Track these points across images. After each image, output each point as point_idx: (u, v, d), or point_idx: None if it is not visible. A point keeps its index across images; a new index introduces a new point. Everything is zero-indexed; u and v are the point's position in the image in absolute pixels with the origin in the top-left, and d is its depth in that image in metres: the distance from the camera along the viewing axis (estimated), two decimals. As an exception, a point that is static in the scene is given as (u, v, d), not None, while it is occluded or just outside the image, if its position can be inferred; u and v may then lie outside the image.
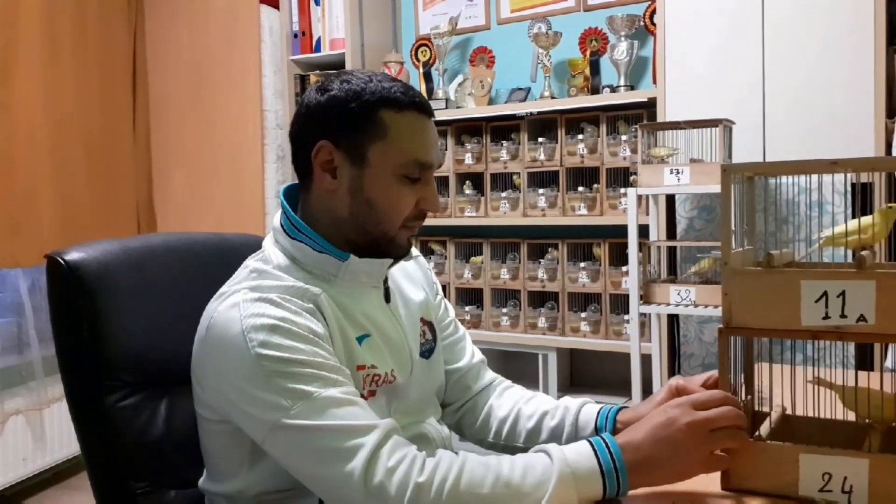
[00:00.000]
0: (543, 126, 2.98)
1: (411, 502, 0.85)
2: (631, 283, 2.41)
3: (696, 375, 1.10)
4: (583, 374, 3.13)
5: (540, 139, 2.92)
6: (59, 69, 3.02)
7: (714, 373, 1.03)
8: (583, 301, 2.90)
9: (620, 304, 2.79)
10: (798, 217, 2.34)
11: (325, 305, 1.02)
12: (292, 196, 1.13)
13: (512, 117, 3.01)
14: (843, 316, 0.89)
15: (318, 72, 3.32)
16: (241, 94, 3.30)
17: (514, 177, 2.99)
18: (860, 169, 0.94)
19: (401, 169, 1.04)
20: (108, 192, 3.24)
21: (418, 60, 3.28)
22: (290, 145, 1.10)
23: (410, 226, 1.08)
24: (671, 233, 2.66)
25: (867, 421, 0.99)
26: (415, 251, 1.24)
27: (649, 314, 2.53)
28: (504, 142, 3.01)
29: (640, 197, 2.42)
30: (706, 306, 2.30)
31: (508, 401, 1.26)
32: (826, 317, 0.90)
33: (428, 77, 3.26)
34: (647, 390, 2.49)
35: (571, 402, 1.21)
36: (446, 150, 3.08)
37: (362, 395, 1.00)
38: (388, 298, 1.14)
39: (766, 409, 1.07)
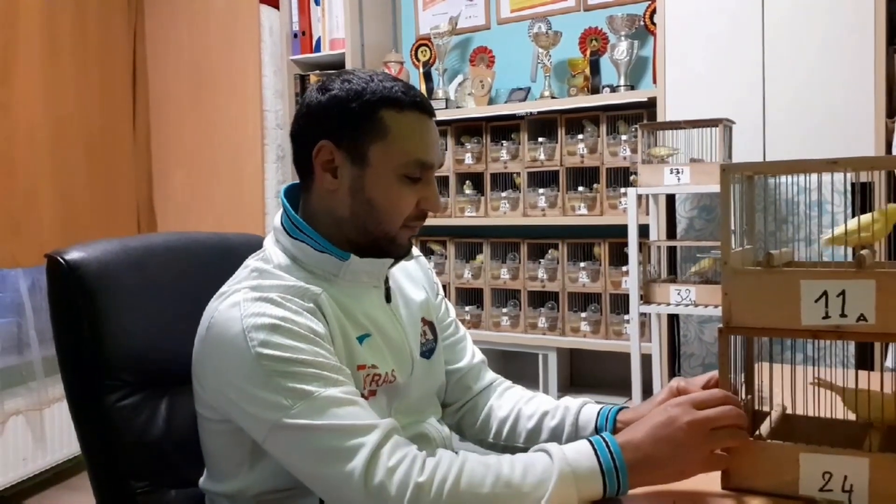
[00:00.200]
0: (543, 126, 2.98)
1: (411, 502, 0.85)
2: (631, 282, 2.41)
3: (697, 377, 1.10)
4: (583, 374, 3.13)
5: (540, 139, 2.92)
6: (59, 69, 3.02)
7: (715, 374, 1.03)
8: (583, 301, 2.90)
9: (620, 303, 2.79)
10: (798, 217, 2.34)
11: (325, 305, 1.02)
12: (293, 196, 1.13)
13: (512, 117, 3.02)
14: (842, 315, 0.89)
15: (318, 72, 3.32)
16: (241, 94, 3.30)
17: (514, 177, 2.99)
18: (860, 168, 0.94)
19: (402, 169, 1.04)
20: (108, 191, 3.24)
21: (418, 60, 3.28)
22: (291, 145, 1.10)
23: (411, 225, 1.08)
24: (671, 233, 2.66)
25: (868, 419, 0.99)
26: (416, 251, 1.24)
27: (649, 314, 2.53)
28: (504, 142, 3.01)
29: (640, 197, 2.42)
30: (706, 306, 2.30)
31: (509, 401, 1.26)
32: (826, 316, 0.90)
33: (428, 77, 3.26)
34: (647, 390, 2.49)
35: (572, 402, 1.21)
36: (446, 150, 3.08)
37: (363, 395, 1.00)
38: (388, 298, 1.14)
39: (766, 408, 1.07)
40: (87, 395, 1.12)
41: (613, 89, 2.85)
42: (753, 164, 1.01)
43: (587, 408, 1.19)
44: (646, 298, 2.40)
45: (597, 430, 1.15)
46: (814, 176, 1.13)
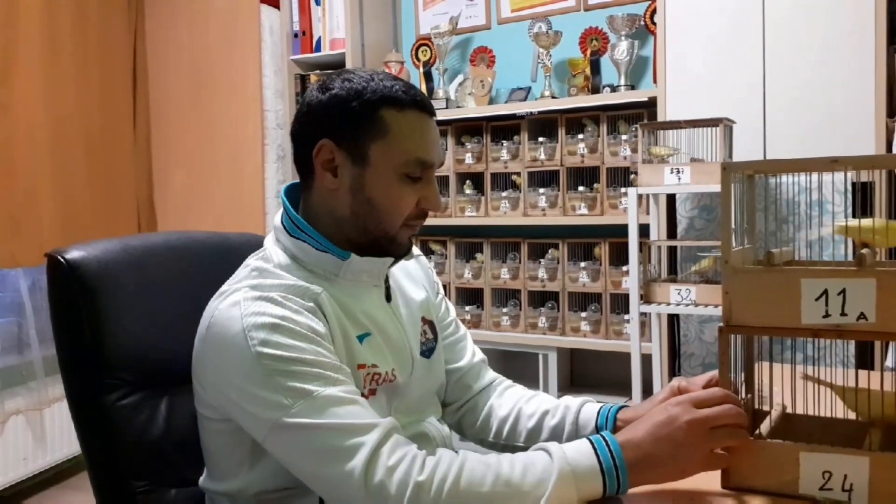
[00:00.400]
0: (544, 126, 2.97)
1: (411, 501, 0.85)
2: (631, 282, 2.41)
3: (698, 376, 1.10)
4: (583, 373, 3.13)
5: (540, 139, 2.92)
6: (59, 69, 3.02)
7: (716, 373, 1.03)
8: (583, 301, 2.90)
9: (621, 303, 2.79)
10: (798, 216, 2.34)
11: (325, 304, 1.02)
12: (293, 195, 1.13)
13: (512, 117, 3.01)
14: (843, 314, 0.89)
15: (318, 71, 3.32)
16: (241, 93, 3.30)
17: (515, 176, 2.99)
18: (860, 167, 0.94)
19: (402, 168, 1.04)
20: (108, 191, 3.25)
21: (419, 60, 3.28)
22: (292, 144, 1.10)
23: (412, 225, 1.08)
24: (671, 232, 2.66)
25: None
26: (416, 250, 1.24)
27: (650, 314, 2.53)
28: (504, 141, 3.01)
29: (640, 196, 2.42)
30: (706, 306, 2.30)
31: (509, 400, 1.26)
32: (826, 315, 0.90)
33: (428, 77, 3.26)
34: (647, 390, 2.49)
35: (572, 401, 1.21)
36: (447, 149, 3.08)
37: (363, 394, 1.00)
38: (388, 297, 1.14)
39: (766, 407, 1.07)
40: (87, 395, 1.12)
41: (614, 89, 2.85)
42: (754, 163, 1.01)
43: (587, 407, 1.19)
44: (646, 298, 2.40)
45: (597, 429, 1.15)
46: (814, 175, 1.13)
